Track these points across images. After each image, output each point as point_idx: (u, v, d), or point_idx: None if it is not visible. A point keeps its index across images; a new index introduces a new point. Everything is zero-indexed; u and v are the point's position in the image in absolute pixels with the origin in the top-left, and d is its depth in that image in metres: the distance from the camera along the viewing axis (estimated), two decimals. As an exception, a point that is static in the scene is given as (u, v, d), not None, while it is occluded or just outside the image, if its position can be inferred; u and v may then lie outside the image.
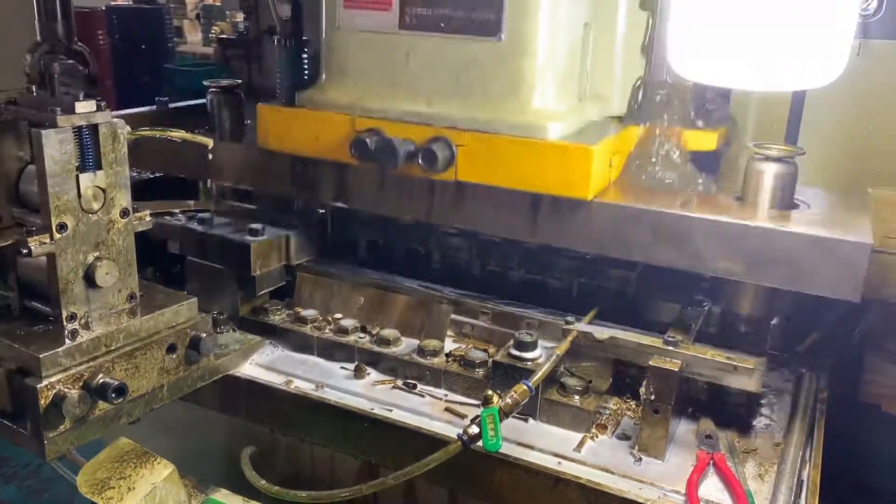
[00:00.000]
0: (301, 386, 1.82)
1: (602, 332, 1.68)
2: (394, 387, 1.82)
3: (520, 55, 1.69)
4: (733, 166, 1.85)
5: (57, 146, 1.45)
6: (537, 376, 1.58)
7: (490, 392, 1.49)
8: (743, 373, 1.56)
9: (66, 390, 1.46)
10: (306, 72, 2.09)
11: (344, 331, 1.94)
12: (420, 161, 1.72)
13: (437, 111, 1.77)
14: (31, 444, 1.49)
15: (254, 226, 2.02)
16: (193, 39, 10.31)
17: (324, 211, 2.18)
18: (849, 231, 1.52)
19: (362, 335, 1.95)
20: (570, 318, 1.75)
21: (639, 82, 1.91)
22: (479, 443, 1.47)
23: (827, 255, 1.49)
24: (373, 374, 1.87)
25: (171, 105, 2.43)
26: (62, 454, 1.53)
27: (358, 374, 1.86)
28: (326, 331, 1.96)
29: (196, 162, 2.04)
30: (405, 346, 1.91)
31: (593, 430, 1.66)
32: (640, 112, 1.87)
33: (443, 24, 1.73)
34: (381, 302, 2.00)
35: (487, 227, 1.83)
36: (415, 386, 1.82)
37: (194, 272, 2.06)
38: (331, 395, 1.78)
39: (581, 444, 1.62)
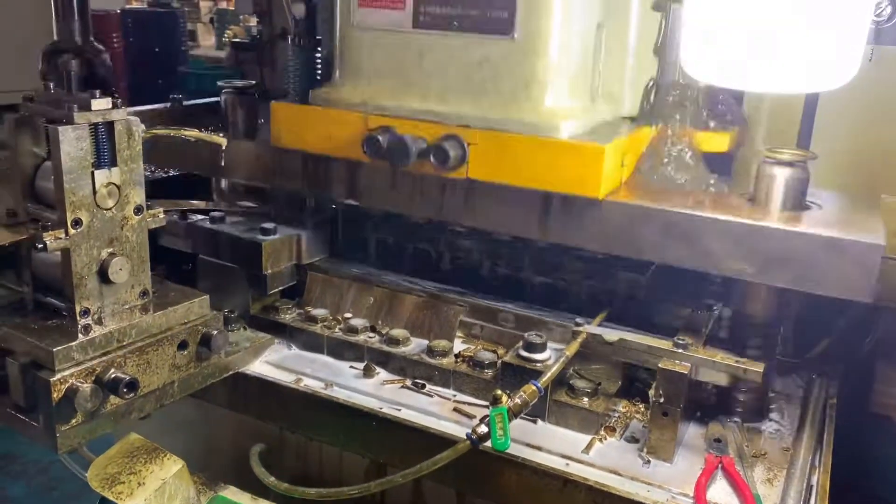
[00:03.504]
0: (310, 384, 1.83)
1: (611, 335, 1.68)
2: (402, 386, 1.83)
3: (532, 54, 1.69)
4: (745, 168, 1.84)
5: (73, 142, 1.47)
6: (546, 377, 1.58)
7: (499, 392, 1.49)
8: (752, 376, 1.56)
9: (79, 384, 1.47)
10: (319, 71, 2.10)
11: (354, 330, 1.94)
12: (432, 159, 1.72)
13: (450, 110, 1.77)
14: (43, 437, 1.50)
15: (265, 225, 2.03)
16: (207, 43, 10.38)
17: (335, 209, 2.19)
18: (861, 232, 1.51)
19: (372, 335, 1.95)
20: (579, 320, 1.75)
21: (651, 83, 1.91)
22: (488, 442, 1.47)
23: (839, 255, 1.48)
24: (382, 374, 1.87)
25: (185, 103, 2.45)
26: (74, 448, 1.54)
27: (367, 373, 1.86)
28: (336, 330, 1.97)
29: (209, 159, 2.05)
30: (414, 346, 1.91)
31: (602, 433, 1.66)
32: (652, 113, 1.87)
33: (456, 23, 1.74)
34: (390, 302, 2.01)
35: (498, 225, 1.83)
36: (423, 386, 1.82)
37: (206, 270, 2.07)
38: (340, 394, 1.79)
39: (589, 445, 1.62)
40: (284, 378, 1.85)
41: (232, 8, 10.53)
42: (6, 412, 1.55)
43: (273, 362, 1.92)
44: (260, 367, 1.90)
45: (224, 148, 2.00)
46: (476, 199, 1.79)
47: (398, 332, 1.91)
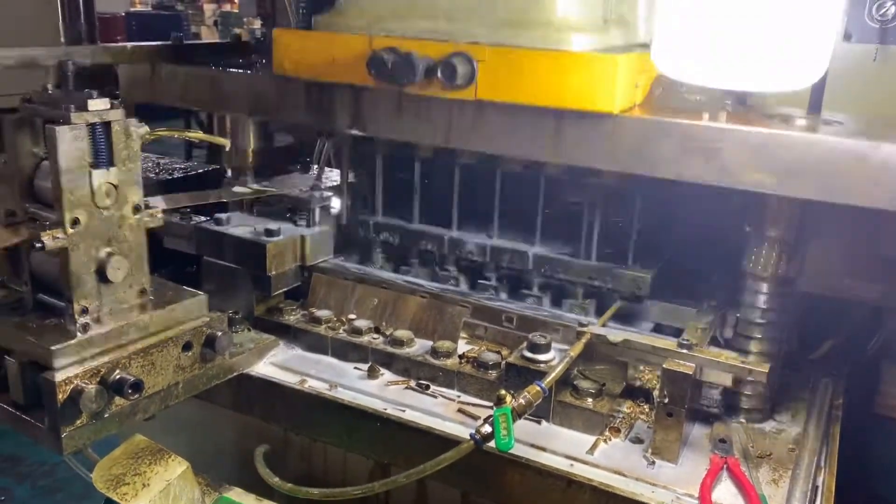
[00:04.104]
0: (315, 385, 1.83)
1: (615, 335, 1.68)
2: (407, 387, 1.83)
3: None
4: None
5: (71, 142, 1.48)
6: (550, 377, 1.58)
7: (503, 392, 1.49)
8: (757, 376, 1.55)
9: (84, 385, 1.48)
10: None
11: (358, 331, 1.94)
12: (439, 75, 1.67)
13: (457, 27, 1.72)
14: (48, 438, 1.50)
15: (270, 226, 2.03)
16: (210, 45, 10.40)
17: (338, 211, 2.19)
18: (883, 139, 1.44)
19: (376, 336, 1.95)
20: (583, 321, 1.75)
21: None
22: (492, 443, 1.47)
23: (861, 162, 1.42)
24: (386, 375, 1.87)
25: (186, 42, 2.42)
26: (79, 449, 1.54)
27: (371, 374, 1.86)
28: (340, 331, 1.97)
29: (209, 93, 2.02)
30: (418, 347, 1.91)
31: (606, 433, 1.66)
32: None
33: None
34: (394, 303, 2.01)
35: (509, 148, 1.76)
36: (428, 387, 1.82)
37: (210, 272, 2.07)
38: (344, 395, 1.79)
39: (594, 446, 1.62)
40: (289, 379, 1.85)
41: (235, 10, 10.57)
42: (10, 413, 1.55)
43: (277, 363, 1.92)
44: (264, 368, 1.90)
45: (227, 148, 2.01)
46: (485, 121, 1.73)
47: (402, 334, 1.91)
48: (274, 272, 2.01)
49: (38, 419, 1.51)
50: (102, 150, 1.54)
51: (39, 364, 1.49)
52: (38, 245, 1.47)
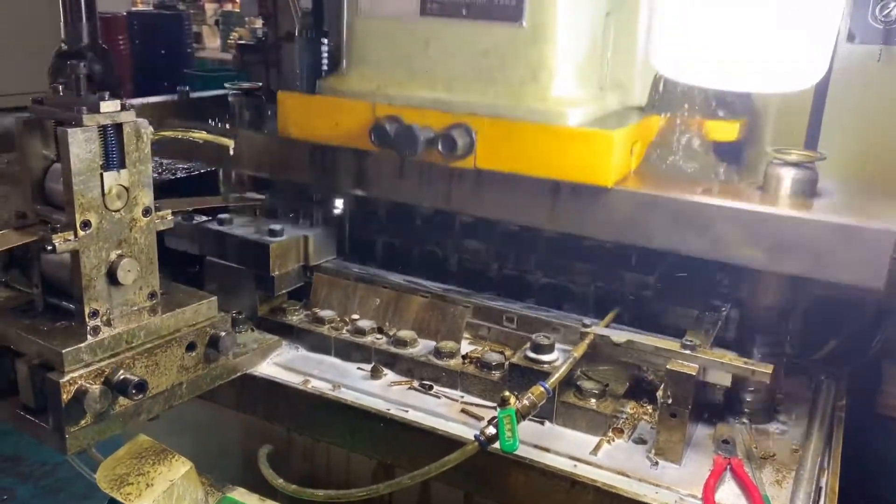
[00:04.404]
0: (318, 386, 1.83)
1: (619, 336, 1.68)
2: (410, 388, 1.83)
3: (541, 41, 1.68)
4: (755, 159, 1.83)
5: (82, 144, 1.48)
6: (554, 378, 1.58)
7: (507, 393, 1.50)
8: (761, 377, 1.55)
9: (88, 385, 1.48)
10: (326, 64, 2.09)
11: (361, 331, 1.94)
12: (439, 147, 1.71)
13: (457, 98, 1.76)
14: (52, 438, 1.50)
15: (273, 226, 2.03)
16: (212, 45, 10.42)
17: (341, 211, 2.19)
18: (872, 218, 1.48)
19: (379, 336, 1.95)
20: (586, 321, 1.75)
21: (659, 74, 1.89)
22: (496, 444, 1.47)
23: (850, 242, 1.45)
24: (389, 375, 1.87)
25: (192, 95, 2.45)
26: (83, 449, 1.54)
27: (374, 374, 1.86)
28: (344, 331, 1.97)
29: (216, 152, 2.04)
30: (422, 347, 1.91)
31: (609, 434, 1.66)
32: (661, 102, 1.86)
33: (464, 11, 1.73)
34: (397, 303, 2.01)
35: (507, 214, 1.80)
36: (431, 387, 1.82)
37: (213, 272, 2.07)
38: (347, 396, 1.79)
39: (597, 447, 1.62)
40: (292, 379, 1.85)
41: (237, 10, 10.57)
42: (15, 413, 1.55)
43: (281, 364, 1.92)
44: (267, 368, 1.90)
45: (231, 150, 2.01)
46: (484, 189, 1.77)
47: (405, 334, 1.91)
48: (277, 272, 2.01)
49: (44, 420, 1.51)
50: (114, 153, 1.54)
51: (49, 366, 1.49)
52: (49, 247, 1.47)
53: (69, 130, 1.46)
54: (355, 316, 2.01)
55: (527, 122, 1.68)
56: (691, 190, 1.64)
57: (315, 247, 2.09)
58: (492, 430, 1.47)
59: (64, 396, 1.46)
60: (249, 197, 2.22)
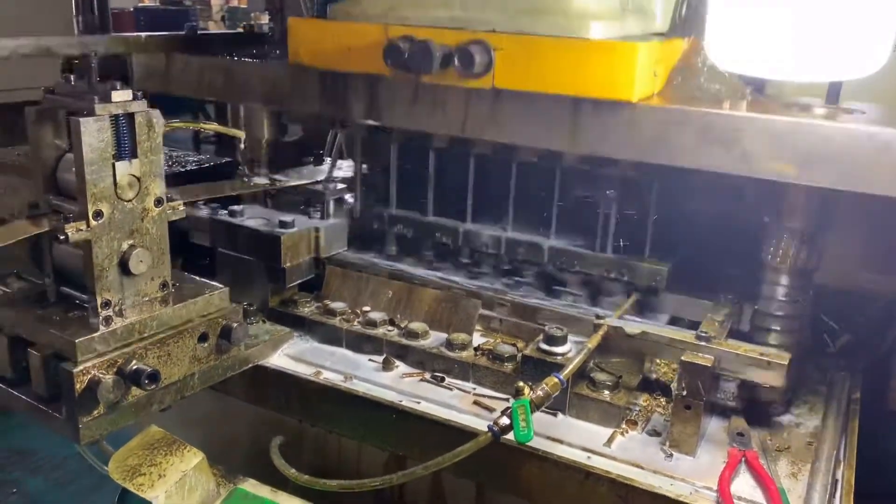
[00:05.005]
0: (330, 377, 1.82)
1: (633, 327, 1.67)
2: (422, 379, 1.82)
3: None
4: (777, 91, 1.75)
5: (94, 134, 1.48)
6: (568, 369, 1.57)
7: (521, 384, 1.49)
8: (775, 368, 1.54)
9: (101, 375, 1.48)
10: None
11: (372, 323, 1.94)
12: (456, 63, 1.65)
13: (474, 15, 1.70)
14: (65, 428, 1.50)
15: (284, 218, 2.03)
16: (218, 41, 10.40)
17: (352, 202, 2.19)
18: None
19: (390, 328, 1.95)
20: (599, 313, 1.74)
21: None
22: (509, 435, 1.47)
23: (882, 150, 1.40)
24: (401, 367, 1.87)
25: (200, 31, 2.42)
26: (95, 439, 1.54)
27: (386, 366, 1.86)
28: (355, 323, 1.97)
29: (224, 83, 2.03)
30: (433, 339, 1.90)
31: (623, 426, 1.65)
32: (684, 25, 1.80)
33: None
34: (408, 295, 2.00)
35: (525, 138, 1.74)
36: (443, 379, 1.81)
37: (225, 263, 2.07)
38: (359, 387, 1.78)
39: (611, 439, 1.61)
40: (304, 371, 1.85)
41: (242, 5, 10.56)
42: (29, 404, 1.55)
43: (292, 355, 1.92)
44: (279, 359, 1.90)
45: (243, 140, 2.01)
46: (502, 111, 1.71)
47: (417, 326, 1.90)
48: (288, 264, 2.00)
49: (57, 410, 1.51)
50: (125, 142, 1.53)
51: (62, 356, 1.49)
52: (62, 237, 1.47)
53: (81, 120, 1.45)
54: (367, 308, 2.01)
55: (547, 37, 1.62)
56: (718, 105, 1.58)
57: (326, 238, 2.08)
58: (505, 421, 1.46)
59: (77, 386, 1.46)
60: (260, 183, 2.20)
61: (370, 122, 1.92)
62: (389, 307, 2.01)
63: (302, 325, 2.00)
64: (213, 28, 10.68)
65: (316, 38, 1.89)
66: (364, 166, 2.17)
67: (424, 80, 1.73)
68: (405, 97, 1.81)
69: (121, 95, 1.52)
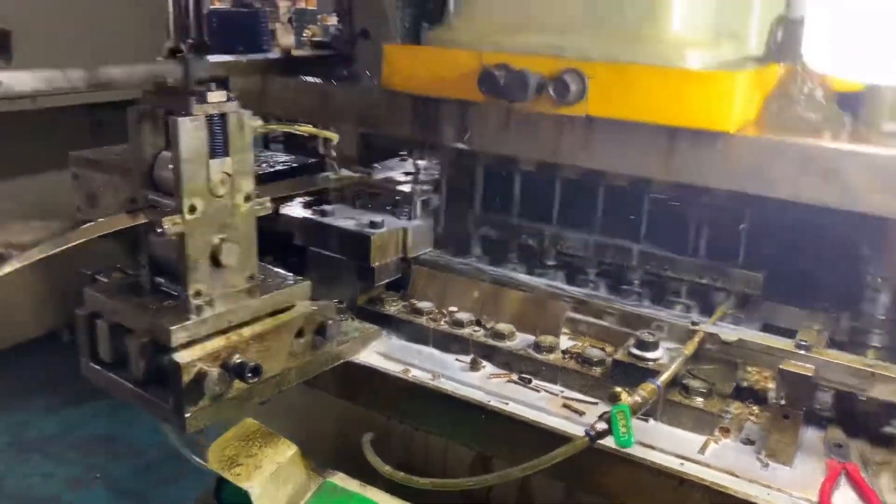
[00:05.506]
0: (418, 375, 1.84)
1: (730, 334, 1.65)
2: (509, 380, 1.83)
3: None
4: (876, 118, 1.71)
5: (191, 133, 1.54)
6: (665, 375, 1.56)
7: (618, 389, 1.49)
8: (884, 381, 1.50)
9: (207, 368, 1.53)
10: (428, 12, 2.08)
11: (459, 323, 1.96)
12: (551, 92, 1.67)
13: (568, 42, 1.71)
14: (172, 417, 1.56)
15: (374, 218, 2.07)
16: (285, 42, 10.61)
17: (438, 204, 2.21)
18: None
19: (477, 328, 1.96)
20: (695, 319, 1.72)
21: (779, 18, 1.81)
22: (605, 440, 1.46)
23: None
24: (488, 367, 1.88)
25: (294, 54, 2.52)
26: (200, 429, 1.60)
27: (473, 366, 1.87)
28: (442, 323, 1.99)
29: (315, 105, 2.07)
30: (519, 340, 1.91)
31: (716, 433, 1.63)
32: (780, 50, 1.77)
33: None
34: (495, 296, 2.01)
35: (618, 165, 1.75)
36: (530, 381, 1.82)
37: (315, 262, 2.12)
38: (448, 386, 1.80)
39: (704, 446, 1.59)
40: (393, 368, 1.88)
41: (311, 7, 10.74)
42: (131, 390, 1.62)
43: (381, 353, 1.95)
44: (368, 356, 1.93)
45: (335, 142, 2.05)
46: (595, 138, 1.72)
47: (503, 327, 1.92)
48: (377, 263, 2.04)
49: (159, 397, 1.58)
50: (219, 141, 1.59)
51: (157, 343, 1.56)
52: (159, 230, 1.53)
53: (179, 120, 1.52)
54: (453, 308, 2.03)
55: (643, 66, 1.62)
56: (818, 136, 1.55)
57: (413, 239, 2.11)
58: (602, 426, 1.46)
59: (185, 378, 1.52)
60: (346, 176, 2.24)
61: (461, 146, 1.94)
62: (475, 308, 2.02)
63: (389, 324, 2.03)
64: (281, 29, 10.90)
65: (410, 64, 1.94)
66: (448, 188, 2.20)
67: (517, 106, 1.74)
68: (497, 123, 1.85)
69: (216, 96, 1.58)
